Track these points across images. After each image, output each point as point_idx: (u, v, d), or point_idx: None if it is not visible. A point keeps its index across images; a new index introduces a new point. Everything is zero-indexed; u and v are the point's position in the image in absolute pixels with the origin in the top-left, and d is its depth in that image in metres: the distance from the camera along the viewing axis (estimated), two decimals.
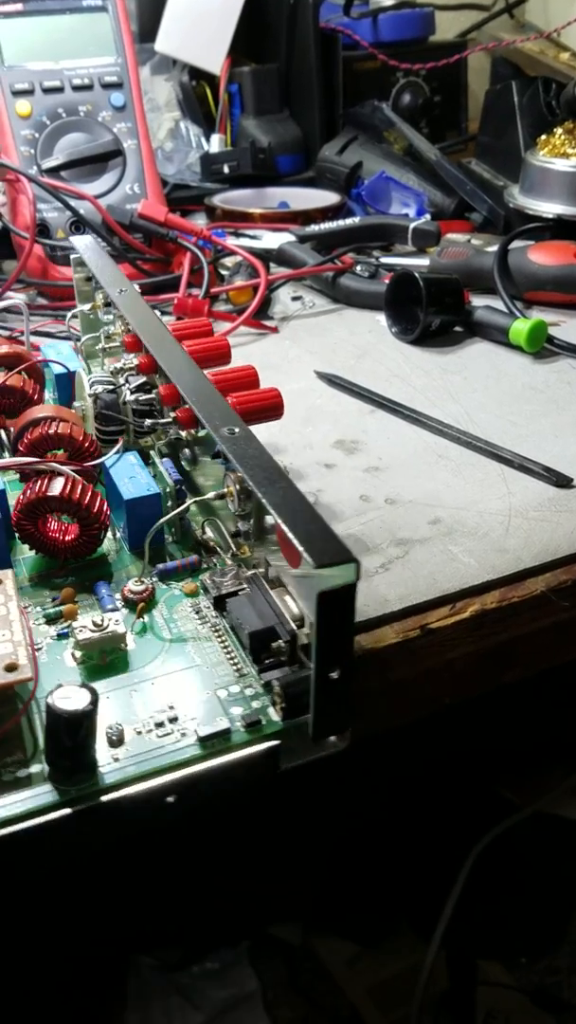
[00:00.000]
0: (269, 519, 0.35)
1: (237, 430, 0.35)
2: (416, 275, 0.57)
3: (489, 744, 0.99)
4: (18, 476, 0.43)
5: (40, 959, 0.91)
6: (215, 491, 0.37)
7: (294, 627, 0.33)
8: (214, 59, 0.94)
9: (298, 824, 0.97)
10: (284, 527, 0.29)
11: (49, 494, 0.38)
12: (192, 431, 0.42)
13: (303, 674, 0.32)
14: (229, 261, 0.71)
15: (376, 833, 1.00)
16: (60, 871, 0.30)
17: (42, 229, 0.67)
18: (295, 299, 0.68)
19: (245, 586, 0.36)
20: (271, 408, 0.39)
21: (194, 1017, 0.94)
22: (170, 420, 0.41)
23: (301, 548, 0.28)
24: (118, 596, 0.38)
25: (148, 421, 0.42)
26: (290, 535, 0.29)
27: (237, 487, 0.36)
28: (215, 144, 0.92)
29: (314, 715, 0.31)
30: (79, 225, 0.68)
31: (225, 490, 0.37)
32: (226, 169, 0.89)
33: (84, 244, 0.53)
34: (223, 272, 0.70)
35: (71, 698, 0.29)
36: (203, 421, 0.36)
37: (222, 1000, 0.95)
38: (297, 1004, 0.97)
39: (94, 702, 0.29)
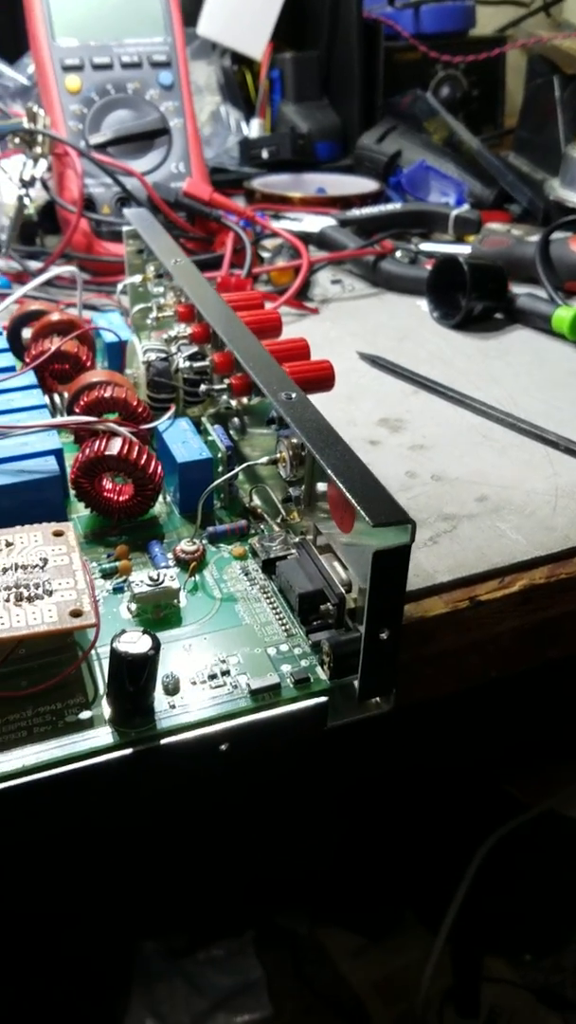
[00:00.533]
0: (321, 486, 0.36)
1: (294, 395, 0.35)
2: (461, 260, 0.58)
3: (498, 742, 1.00)
4: (73, 439, 0.44)
5: (48, 939, 0.92)
6: (267, 457, 0.38)
7: (343, 591, 0.34)
8: (256, 45, 0.94)
9: (306, 815, 0.98)
10: (342, 488, 0.30)
11: (108, 453, 0.39)
12: (243, 400, 0.43)
13: (352, 635, 0.33)
14: (269, 243, 0.72)
15: (384, 827, 1.01)
16: (114, 818, 0.31)
17: (88, 204, 0.68)
18: (335, 282, 0.69)
19: (294, 551, 0.37)
20: (323, 379, 0.40)
21: (198, 1003, 0.95)
22: (224, 387, 0.41)
23: (359, 507, 0.29)
24: (170, 556, 0.39)
25: (203, 387, 0.43)
26: (348, 495, 0.30)
27: (290, 453, 0.37)
28: (255, 129, 0.93)
29: (362, 675, 0.32)
30: (125, 201, 0.68)
31: (278, 456, 0.38)
32: (265, 154, 0.90)
33: (138, 215, 0.54)
34: (262, 255, 0.71)
35: (135, 643, 0.30)
36: (261, 386, 0.36)
37: (227, 987, 0.96)
38: (301, 994, 0.98)
39: (156, 647, 0.30)
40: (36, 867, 0.84)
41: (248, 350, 0.39)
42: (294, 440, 0.36)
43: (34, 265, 0.67)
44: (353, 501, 0.29)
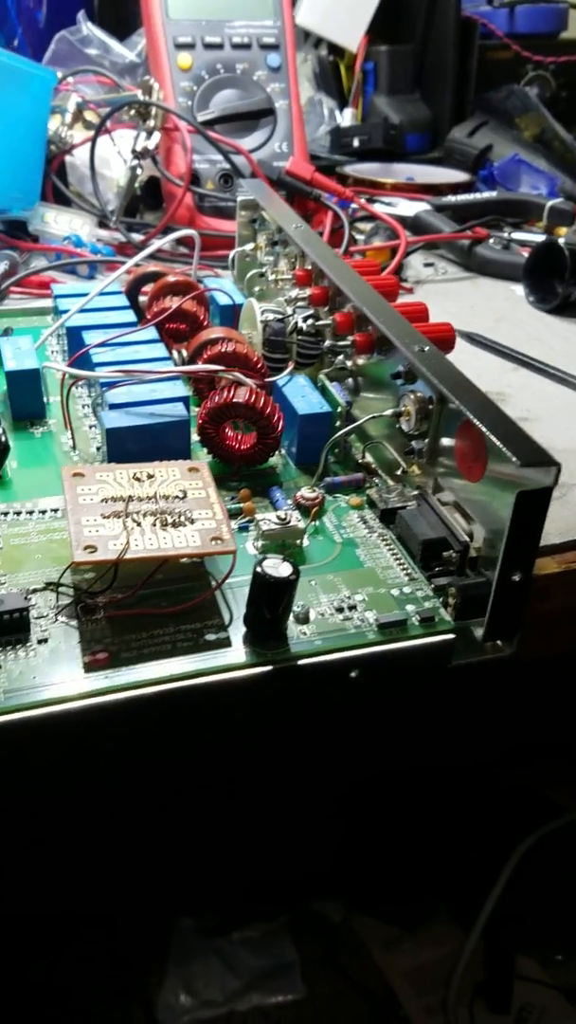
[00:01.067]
0: (445, 440, 0.38)
1: (427, 348, 0.37)
2: (561, 244, 0.59)
3: (539, 744, 1.00)
4: (193, 391, 0.46)
5: (87, 907, 0.94)
6: (392, 409, 0.40)
7: (467, 539, 0.35)
8: (352, 37, 0.96)
9: (346, 804, 0.99)
10: (485, 431, 0.32)
11: (236, 400, 0.40)
12: (358, 361, 0.45)
13: (478, 580, 0.34)
14: (362, 226, 0.74)
15: (424, 820, 1.02)
16: (246, 739, 0.33)
17: (193, 179, 0.70)
18: (427, 265, 0.71)
19: (412, 502, 0.39)
20: (445, 340, 0.42)
21: (232, 982, 0.96)
22: (348, 344, 0.43)
23: (505, 449, 0.30)
24: (289, 501, 0.40)
25: (327, 342, 0.44)
26: (492, 438, 0.31)
27: (416, 407, 0.38)
28: (347, 118, 0.95)
29: (490, 616, 0.33)
30: (229, 177, 0.71)
31: (402, 409, 0.39)
32: (356, 142, 0.91)
33: (254, 185, 0.55)
34: (356, 236, 0.73)
35: (277, 567, 0.31)
36: (393, 340, 0.38)
37: (260, 968, 0.97)
38: (333, 979, 0.99)
39: (296, 573, 0.32)
40: (83, 832, 0.86)
41: (377, 307, 0.41)
42: (419, 394, 0.38)
43: (136, 237, 0.69)
44: (498, 443, 0.30)
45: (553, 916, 1.01)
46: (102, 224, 0.71)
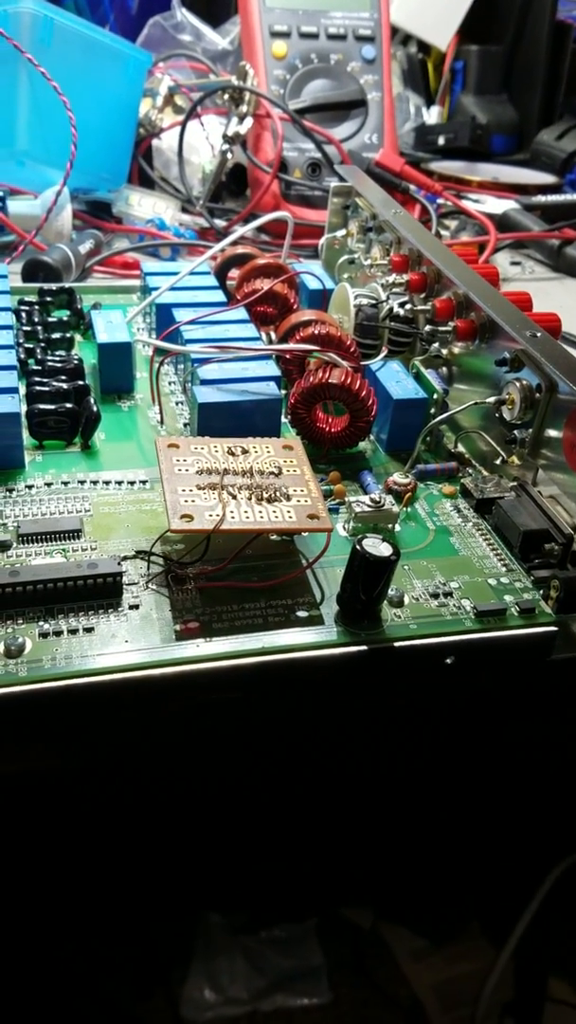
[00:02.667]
0: (551, 431, 0.36)
1: (539, 334, 0.36)
2: None
3: None
4: (283, 373, 0.45)
5: (114, 896, 0.94)
6: (495, 397, 0.38)
7: (572, 532, 0.34)
8: (443, 35, 0.95)
9: (379, 811, 0.98)
10: None
11: (331, 381, 0.40)
12: (456, 349, 0.44)
13: None
14: (448, 222, 0.73)
15: (460, 833, 1.00)
16: (331, 719, 0.32)
17: (281, 167, 0.70)
18: (514, 264, 0.69)
19: (510, 493, 0.37)
20: (552, 331, 0.40)
21: (258, 980, 0.95)
22: (449, 329, 0.42)
23: None
24: (381, 486, 0.39)
25: (427, 327, 0.44)
26: None
27: (521, 395, 0.37)
28: (433, 116, 0.94)
29: None
30: (317, 166, 0.70)
31: (506, 397, 0.38)
32: (441, 140, 0.90)
33: (351, 172, 0.55)
34: (442, 232, 0.72)
35: (377, 547, 0.31)
36: (503, 325, 0.37)
37: (287, 969, 0.96)
38: (360, 985, 0.98)
39: (396, 554, 0.31)
40: (120, 815, 0.86)
41: (484, 292, 0.40)
42: (526, 382, 0.37)
43: (219, 223, 0.69)
44: None
45: None
46: (185, 209, 0.71)
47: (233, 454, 0.36)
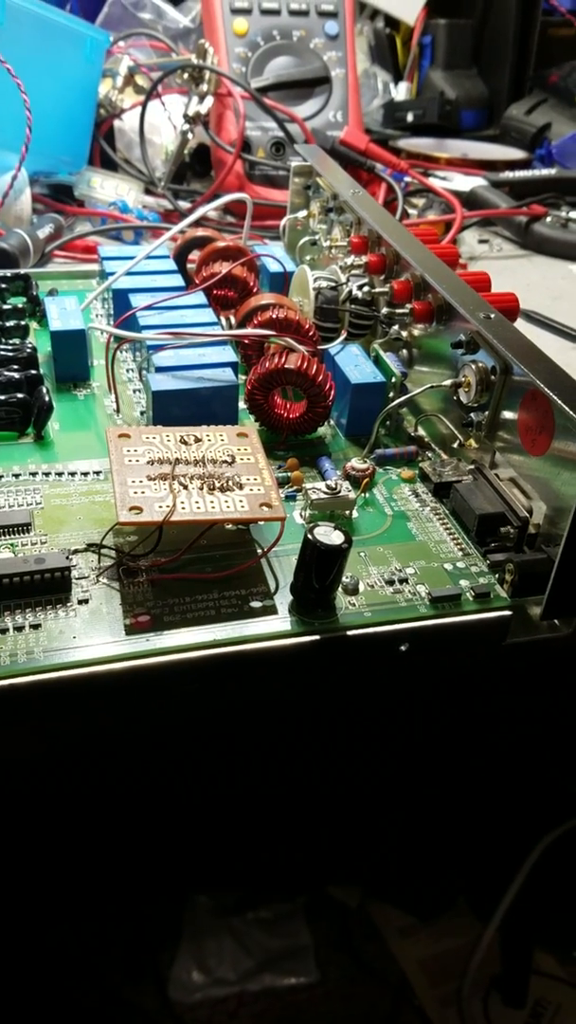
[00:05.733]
0: (507, 413, 0.36)
1: (493, 315, 0.35)
2: None
3: (568, 739, 0.98)
4: (242, 360, 0.44)
5: (100, 879, 0.94)
6: (451, 380, 0.38)
7: (527, 515, 0.34)
8: (410, 10, 0.94)
9: (364, 790, 0.98)
10: (556, 398, 0.30)
11: (287, 366, 0.39)
12: (416, 331, 0.43)
13: (537, 556, 0.32)
14: (416, 200, 0.72)
15: (446, 810, 1.00)
16: (285, 708, 0.32)
17: (244, 146, 0.69)
18: (482, 242, 0.69)
19: (468, 477, 0.37)
20: (510, 310, 0.40)
21: (245, 961, 0.96)
22: (407, 311, 0.41)
23: None
24: (339, 472, 0.39)
25: (385, 309, 0.43)
26: (564, 405, 0.29)
27: (477, 377, 0.36)
28: (402, 92, 0.92)
29: (550, 592, 0.31)
30: (281, 146, 0.69)
31: (462, 379, 0.37)
32: (410, 117, 0.89)
33: (311, 151, 0.54)
34: (409, 211, 0.71)
35: (329, 535, 0.30)
36: (457, 306, 0.36)
37: (274, 949, 0.97)
38: (347, 964, 0.98)
39: (348, 542, 0.30)
40: (105, 800, 0.86)
41: (440, 273, 0.39)
42: (482, 364, 0.36)
43: (183, 205, 0.68)
44: (570, 411, 0.29)
45: (573, 912, 0.99)
46: (148, 191, 0.70)
47: (186, 443, 0.35)
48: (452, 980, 0.96)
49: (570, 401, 0.29)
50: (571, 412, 0.29)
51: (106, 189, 0.69)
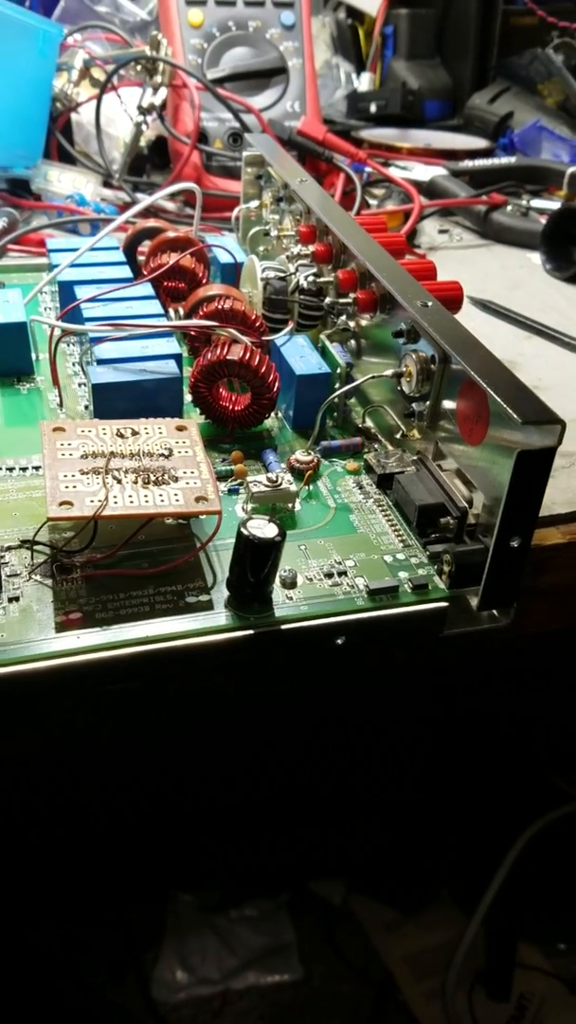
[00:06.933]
0: (447, 403, 0.36)
1: (430, 303, 0.35)
2: None
3: (544, 725, 0.98)
4: (188, 350, 0.44)
5: (90, 875, 0.94)
6: (392, 370, 0.38)
7: (465, 505, 0.33)
8: (372, 0, 0.93)
9: (348, 784, 0.98)
10: (486, 388, 0.30)
11: (229, 358, 0.39)
12: (361, 322, 0.43)
13: (475, 547, 0.32)
14: (376, 191, 0.71)
15: (428, 804, 1.00)
16: (222, 703, 0.31)
17: (201, 138, 0.68)
18: (442, 232, 0.68)
19: (411, 467, 0.37)
20: (453, 299, 0.39)
21: (229, 960, 0.96)
22: (349, 301, 0.41)
23: (507, 406, 0.28)
24: (283, 465, 0.38)
25: (328, 299, 0.42)
26: (493, 395, 0.29)
27: (418, 367, 0.36)
28: (364, 83, 0.92)
29: (485, 583, 0.31)
30: (238, 136, 0.68)
31: (403, 369, 0.37)
32: (373, 107, 0.89)
33: (261, 140, 0.53)
34: (369, 201, 0.70)
35: (262, 528, 0.30)
36: (396, 295, 0.36)
37: (258, 947, 0.97)
38: (331, 960, 0.98)
39: (282, 535, 0.30)
40: (79, 802, 0.85)
41: (380, 262, 0.39)
42: (422, 354, 0.36)
43: (141, 197, 0.67)
44: (500, 400, 0.28)
45: (556, 904, 0.99)
46: (107, 183, 0.69)
47: (122, 436, 0.35)
48: (436, 975, 0.96)
49: (502, 390, 0.29)
50: (502, 401, 0.29)
51: (63, 183, 0.68)
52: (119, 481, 0.32)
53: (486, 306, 0.55)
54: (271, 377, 0.39)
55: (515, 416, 0.28)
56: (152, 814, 0.92)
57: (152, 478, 0.33)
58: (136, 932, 0.97)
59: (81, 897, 0.95)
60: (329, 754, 0.94)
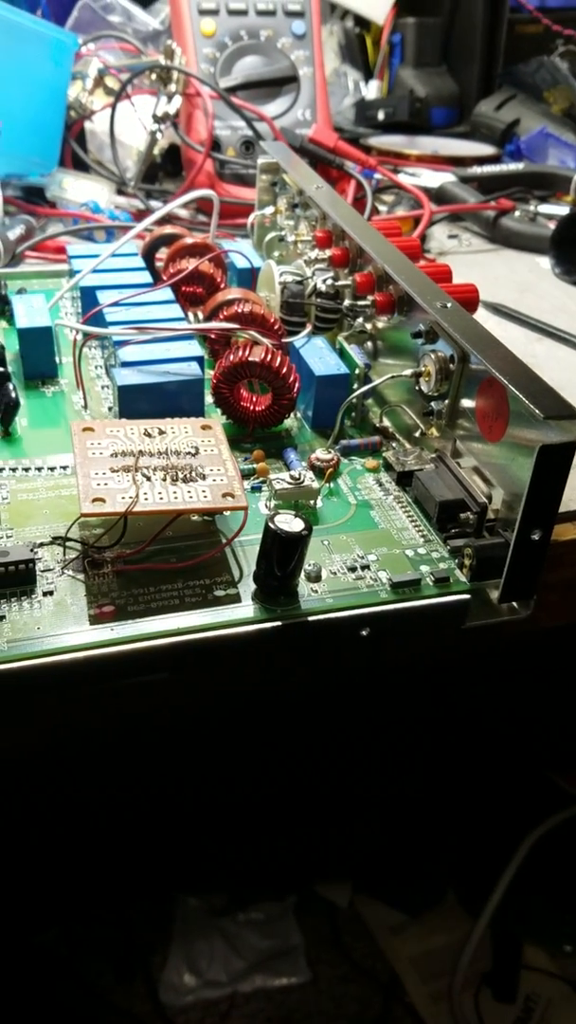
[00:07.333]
0: (466, 402, 0.36)
1: (450, 304, 0.36)
2: None
3: (552, 732, 0.99)
4: (209, 353, 0.45)
5: (98, 878, 0.94)
6: (411, 370, 0.39)
7: (485, 501, 0.34)
8: (379, 9, 0.94)
9: (353, 786, 0.99)
10: (508, 384, 0.31)
11: (251, 359, 0.39)
12: (378, 324, 0.44)
13: (495, 540, 0.33)
14: (386, 197, 0.72)
15: (433, 806, 1.01)
16: (253, 691, 0.32)
17: (214, 145, 0.69)
18: (451, 237, 0.69)
19: (430, 465, 0.38)
20: (469, 301, 0.40)
21: (236, 963, 0.96)
22: (368, 303, 0.42)
23: (528, 402, 0.29)
24: (304, 463, 0.39)
25: (347, 301, 0.43)
26: (515, 391, 0.30)
27: (436, 367, 0.37)
28: (372, 91, 0.93)
29: (507, 575, 0.32)
30: (250, 144, 0.69)
31: (422, 369, 0.38)
32: (381, 115, 0.90)
33: (276, 147, 0.54)
34: (379, 207, 0.71)
35: (289, 523, 0.31)
36: (415, 296, 0.37)
37: (265, 950, 0.97)
38: (338, 962, 0.99)
39: (308, 529, 0.31)
40: (90, 799, 0.86)
41: (399, 265, 0.39)
42: (441, 354, 0.37)
43: (155, 204, 0.68)
44: (522, 396, 0.29)
45: (562, 906, 1.00)
46: (120, 191, 0.70)
47: (150, 435, 0.36)
48: (443, 977, 0.96)
49: (523, 387, 0.30)
50: (524, 398, 0.29)
51: (78, 190, 0.69)
52: (148, 479, 0.33)
53: (497, 309, 0.56)
54: (291, 378, 0.40)
55: (537, 412, 0.29)
56: (157, 815, 0.93)
57: (180, 475, 0.33)
58: (143, 935, 0.97)
59: (87, 900, 0.95)
60: (334, 756, 0.95)
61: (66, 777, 0.86)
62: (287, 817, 0.98)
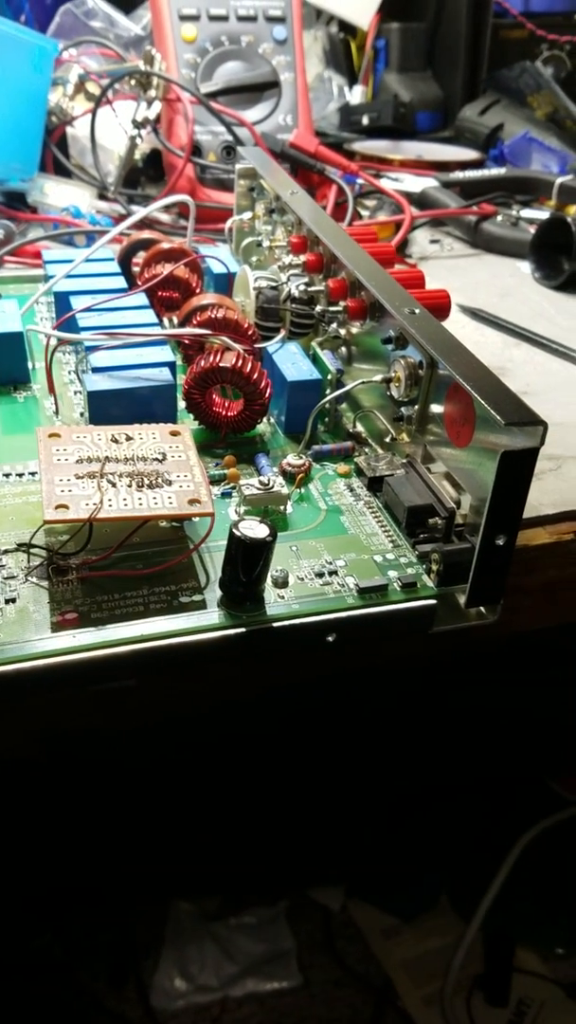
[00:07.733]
0: (435, 407, 0.36)
1: (417, 311, 0.36)
2: (568, 220, 0.58)
3: (542, 735, 0.99)
4: (181, 358, 0.45)
5: (90, 883, 0.94)
6: (381, 375, 0.38)
7: (453, 506, 0.34)
8: (364, 14, 0.94)
9: (346, 791, 0.98)
10: (471, 390, 0.30)
11: (222, 365, 0.39)
12: (352, 330, 0.44)
13: (462, 546, 0.33)
14: (368, 202, 0.72)
15: (425, 810, 1.01)
16: (219, 701, 0.32)
17: (195, 151, 0.69)
18: (433, 242, 0.69)
19: (401, 470, 0.38)
20: (440, 307, 0.40)
21: (228, 967, 0.96)
22: (340, 309, 0.42)
23: (490, 408, 0.29)
24: (275, 469, 0.39)
25: (319, 307, 0.43)
26: (478, 397, 0.30)
27: (406, 372, 0.37)
28: (356, 96, 0.93)
29: (472, 580, 0.32)
30: (231, 149, 0.69)
31: (392, 375, 0.38)
32: (365, 120, 0.90)
33: (253, 153, 0.54)
34: (361, 212, 0.72)
35: (253, 529, 0.30)
36: (383, 302, 0.37)
37: (257, 954, 0.97)
38: (330, 967, 0.99)
39: (273, 535, 0.30)
40: (76, 806, 0.86)
41: (369, 271, 0.39)
42: (411, 359, 0.37)
43: (136, 209, 0.68)
44: (484, 403, 0.29)
45: (554, 909, 1.00)
46: (102, 196, 0.70)
47: (117, 441, 0.35)
48: (435, 980, 0.96)
49: (486, 393, 0.30)
50: (486, 404, 0.29)
51: (59, 195, 0.69)
52: (114, 485, 0.33)
53: (476, 314, 0.56)
54: (263, 383, 0.40)
55: (499, 418, 0.29)
56: (150, 821, 0.93)
57: (146, 482, 0.33)
58: (135, 940, 0.97)
59: (81, 904, 0.95)
60: (325, 760, 0.94)
61: (58, 783, 0.86)
62: (279, 821, 0.98)
